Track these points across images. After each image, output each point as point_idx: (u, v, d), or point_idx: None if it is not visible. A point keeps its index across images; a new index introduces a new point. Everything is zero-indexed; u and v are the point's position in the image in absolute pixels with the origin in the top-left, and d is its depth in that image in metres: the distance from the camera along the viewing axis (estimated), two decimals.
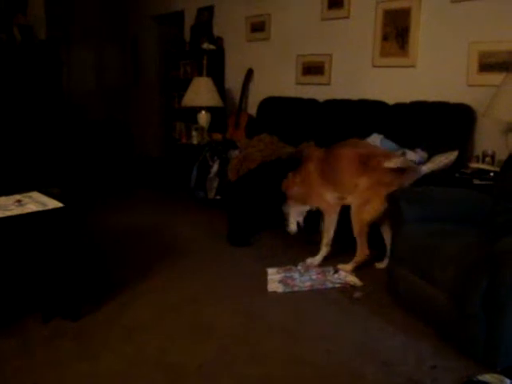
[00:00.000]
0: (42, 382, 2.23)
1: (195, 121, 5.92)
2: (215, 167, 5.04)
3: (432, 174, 3.61)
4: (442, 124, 3.94)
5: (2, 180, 3.46)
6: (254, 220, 4.29)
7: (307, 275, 3.41)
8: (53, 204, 2.76)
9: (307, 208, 3.82)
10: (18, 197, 2.87)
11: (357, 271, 3.47)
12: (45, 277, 2.78)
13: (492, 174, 3.52)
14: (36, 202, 2.77)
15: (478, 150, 3.86)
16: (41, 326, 2.70)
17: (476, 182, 3.49)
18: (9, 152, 5.04)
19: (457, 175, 3.62)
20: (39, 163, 5.17)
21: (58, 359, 2.41)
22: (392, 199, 3.12)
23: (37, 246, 2.69)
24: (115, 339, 2.60)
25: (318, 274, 3.44)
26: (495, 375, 2.17)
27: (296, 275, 3.41)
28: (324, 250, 3.68)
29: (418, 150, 3.86)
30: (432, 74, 4.20)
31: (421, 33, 4.23)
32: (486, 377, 2.16)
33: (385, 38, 4.49)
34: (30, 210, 2.63)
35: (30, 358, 2.41)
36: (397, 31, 4.38)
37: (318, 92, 5.09)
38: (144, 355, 2.46)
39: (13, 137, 5.23)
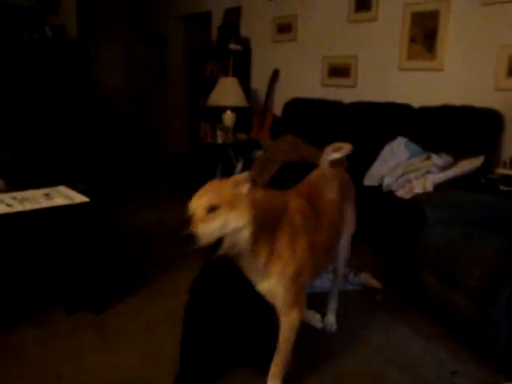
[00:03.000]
0: (63, 372, 2.27)
1: (220, 120, 5.95)
2: (239, 167, 5.06)
3: (457, 179, 3.58)
4: (468, 128, 3.89)
5: (31, 174, 3.54)
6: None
7: (327, 277, 3.39)
8: (79, 198, 2.80)
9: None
10: (45, 190, 2.93)
11: (377, 274, 3.43)
12: (70, 269, 2.84)
13: None
14: (63, 196, 2.82)
15: (505, 156, 3.79)
16: (64, 318, 2.75)
17: (502, 187, 3.43)
18: (38, 147, 5.15)
19: (483, 180, 3.57)
20: (67, 159, 5.27)
21: (80, 351, 2.45)
22: (416, 202, 3.10)
23: (63, 239, 2.75)
24: (137, 333, 2.64)
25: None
26: None
27: None
28: None
29: (443, 154, 3.83)
30: (460, 78, 4.15)
31: (449, 36, 4.19)
32: None
33: (412, 40, 4.45)
34: (57, 204, 2.68)
35: (53, 349, 2.46)
36: (424, 34, 4.33)
37: (344, 94, 5.07)
38: (165, 349, 2.48)
39: (43, 132, 5.36)
